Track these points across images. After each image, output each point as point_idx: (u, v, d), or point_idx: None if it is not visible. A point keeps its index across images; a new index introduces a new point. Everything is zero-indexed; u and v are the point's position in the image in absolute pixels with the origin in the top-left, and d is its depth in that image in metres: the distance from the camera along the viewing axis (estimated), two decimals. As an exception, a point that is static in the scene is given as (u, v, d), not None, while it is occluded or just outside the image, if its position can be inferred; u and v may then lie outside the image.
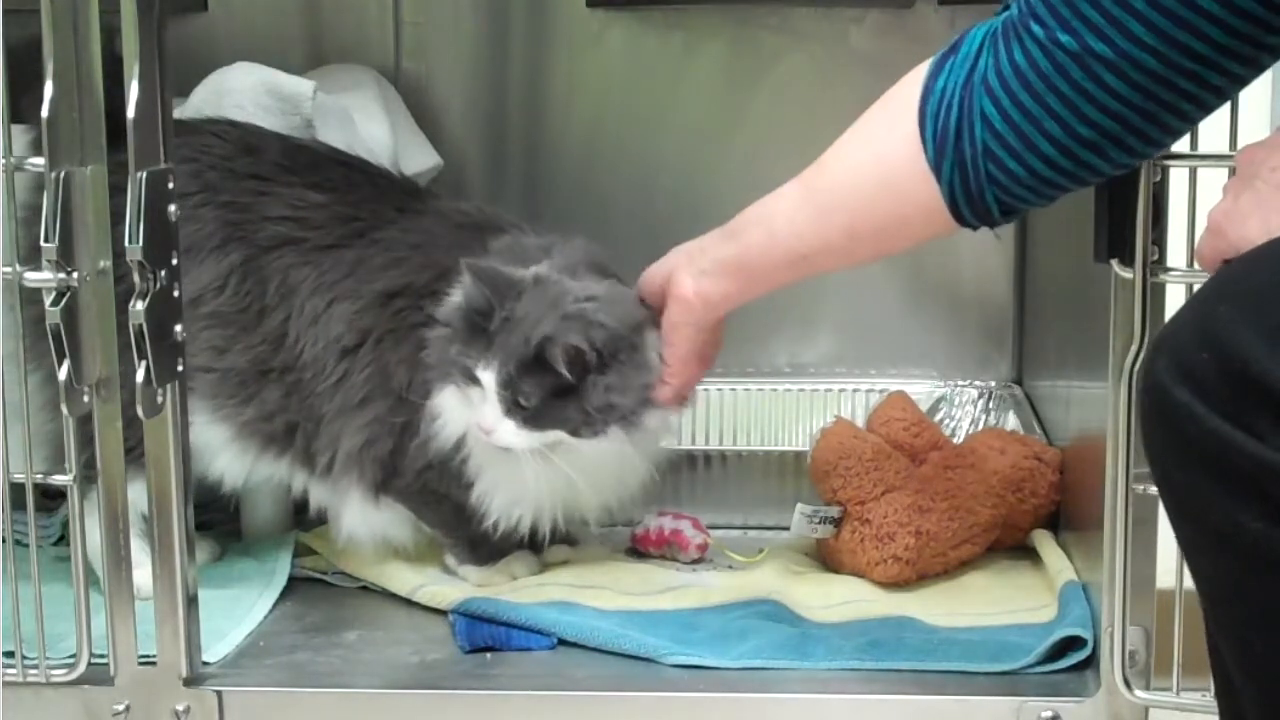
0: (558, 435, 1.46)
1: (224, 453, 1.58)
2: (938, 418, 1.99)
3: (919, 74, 1.20)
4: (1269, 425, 0.88)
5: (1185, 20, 1.05)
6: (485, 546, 1.59)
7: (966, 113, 1.15)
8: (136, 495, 1.39)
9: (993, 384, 2.04)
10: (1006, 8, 1.17)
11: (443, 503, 1.58)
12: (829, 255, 1.31)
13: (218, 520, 1.73)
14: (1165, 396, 0.93)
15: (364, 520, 1.58)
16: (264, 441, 1.58)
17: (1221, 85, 1.09)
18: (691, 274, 1.40)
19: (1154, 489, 1.23)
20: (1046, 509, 1.69)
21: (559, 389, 1.44)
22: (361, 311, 1.55)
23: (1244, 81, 1.10)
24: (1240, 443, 0.88)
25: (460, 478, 1.55)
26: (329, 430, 1.56)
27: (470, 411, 1.48)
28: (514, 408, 1.45)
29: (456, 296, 1.50)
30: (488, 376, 1.45)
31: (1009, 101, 1.12)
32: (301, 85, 1.68)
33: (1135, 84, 1.08)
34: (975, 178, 1.16)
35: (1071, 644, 1.40)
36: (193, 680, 1.39)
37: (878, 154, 1.22)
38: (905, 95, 1.20)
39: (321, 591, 1.62)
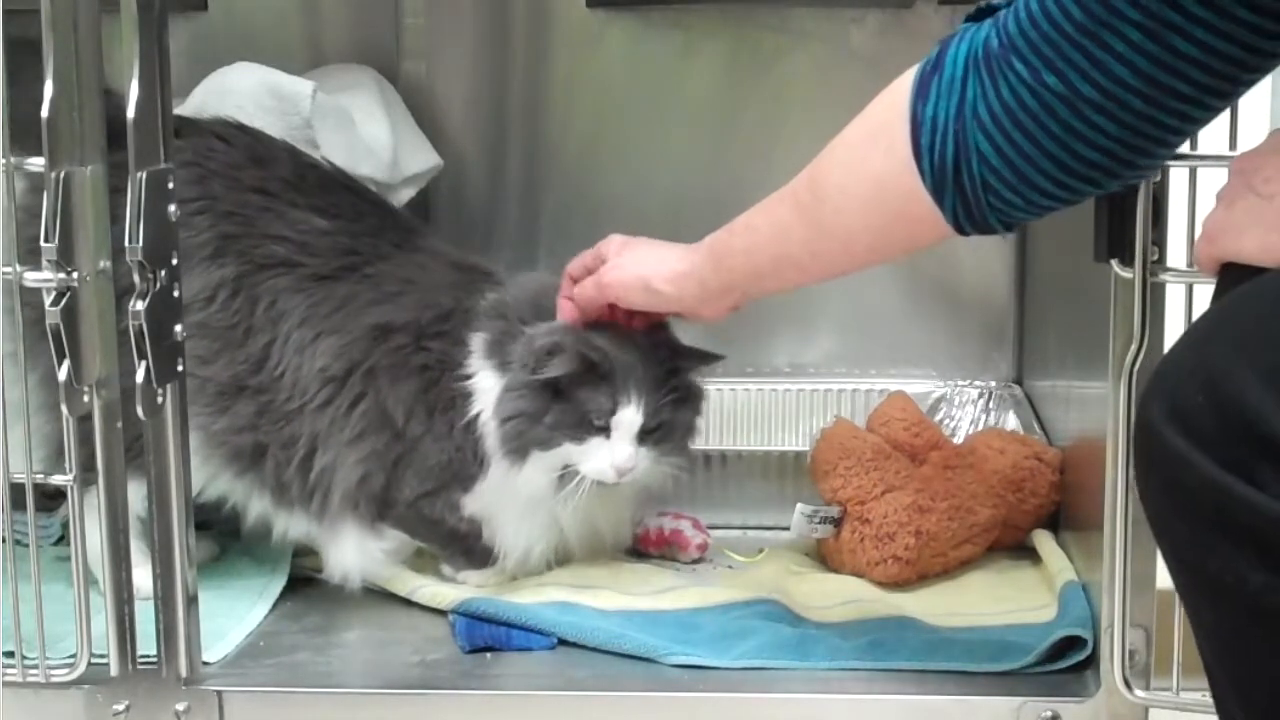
0: (661, 452, 1.54)
1: None
2: (938, 418, 1.99)
3: (902, 92, 1.19)
4: (1269, 474, 0.86)
5: (1168, 64, 1.05)
6: (479, 552, 1.59)
7: (962, 148, 1.15)
8: (136, 495, 1.39)
9: (993, 384, 2.04)
10: (978, 14, 1.16)
11: (436, 525, 1.59)
12: (861, 266, 1.33)
13: (218, 520, 1.72)
14: (1161, 443, 0.91)
15: (361, 551, 1.58)
16: (230, 455, 1.57)
17: (1205, 116, 1.10)
18: (724, 307, 1.43)
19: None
20: (1046, 509, 1.69)
21: (675, 404, 1.52)
22: (350, 344, 1.55)
23: (1223, 109, 1.11)
24: (1240, 492, 0.87)
25: (454, 506, 1.57)
26: (319, 462, 1.55)
27: (579, 463, 1.51)
28: (643, 434, 1.50)
29: (513, 373, 1.51)
30: (629, 413, 1.49)
31: (1002, 139, 1.12)
32: (301, 85, 1.68)
33: (1123, 123, 1.08)
34: (977, 206, 1.17)
35: (1071, 644, 1.40)
36: (193, 680, 1.39)
37: (881, 185, 1.22)
38: (893, 121, 1.19)
39: (321, 591, 1.62)
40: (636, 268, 1.46)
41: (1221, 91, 1.07)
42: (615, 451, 1.49)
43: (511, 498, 1.54)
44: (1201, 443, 0.89)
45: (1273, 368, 0.88)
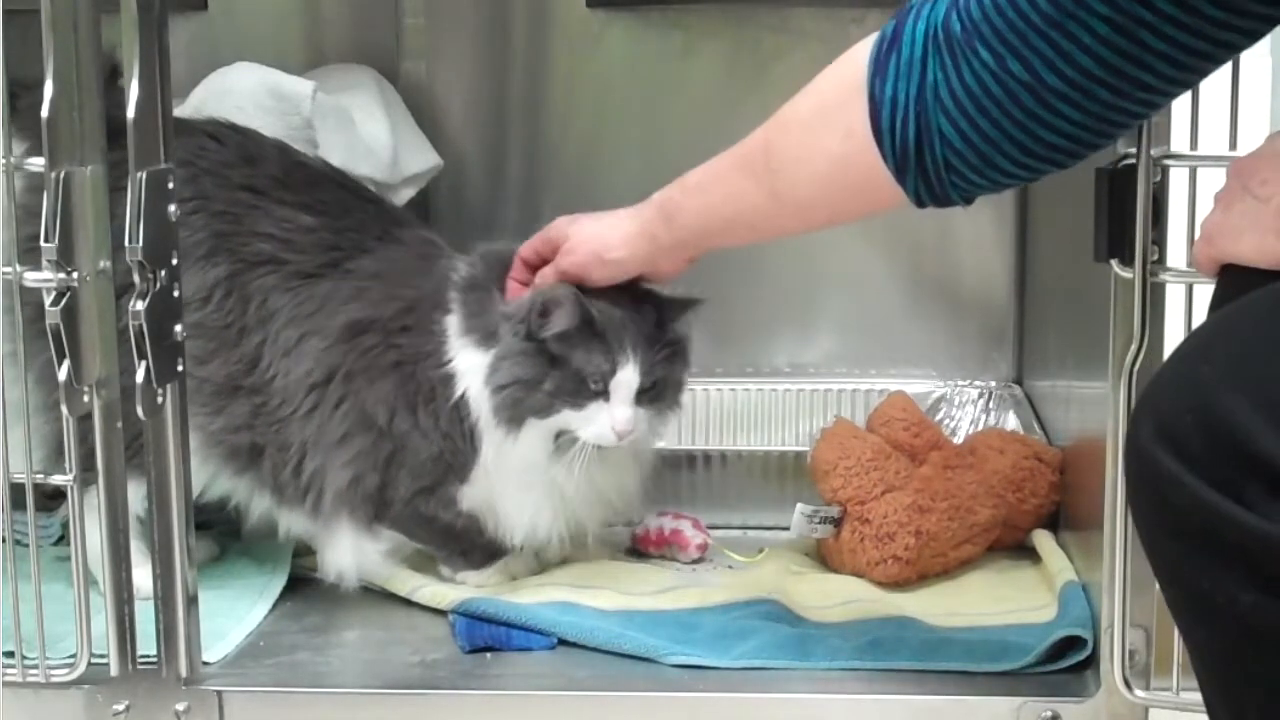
0: (657, 410, 1.54)
1: None
2: (938, 418, 1.99)
3: (857, 68, 1.19)
4: (1258, 493, 0.86)
5: (1136, 58, 1.05)
6: (478, 552, 1.59)
7: (924, 129, 1.14)
8: (136, 495, 1.39)
9: (993, 384, 2.04)
10: None
11: (433, 523, 1.58)
12: (816, 230, 1.35)
13: (218, 520, 1.72)
14: (1151, 464, 0.91)
15: (356, 551, 1.57)
16: (227, 454, 1.57)
17: (1167, 101, 1.11)
18: (680, 260, 1.46)
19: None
20: (1046, 509, 1.69)
21: (668, 360, 1.52)
22: (329, 348, 1.55)
23: (1184, 92, 1.12)
24: (1230, 513, 0.86)
25: (451, 501, 1.56)
26: (309, 466, 1.55)
27: (580, 429, 1.50)
28: (640, 394, 1.50)
29: (503, 341, 1.50)
30: (627, 374, 1.48)
31: (965, 123, 1.12)
32: (301, 85, 1.68)
33: (1087, 110, 1.09)
34: (939, 184, 1.17)
35: (1071, 644, 1.40)
36: (193, 680, 1.39)
37: (840, 164, 1.22)
38: (850, 100, 1.19)
39: (321, 591, 1.62)
40: (588, 244, 1.47)
41: (1187, 81, 1.08)
42: (615, 415, 1.48)
43: (507, 470, 1.53)
44: (1190, 462, 0.89)
45: (1260, 386, 0.88)
